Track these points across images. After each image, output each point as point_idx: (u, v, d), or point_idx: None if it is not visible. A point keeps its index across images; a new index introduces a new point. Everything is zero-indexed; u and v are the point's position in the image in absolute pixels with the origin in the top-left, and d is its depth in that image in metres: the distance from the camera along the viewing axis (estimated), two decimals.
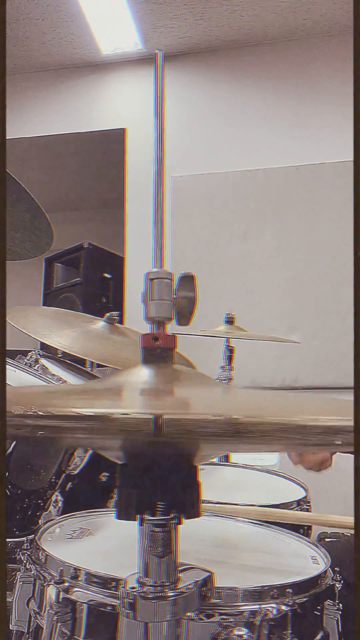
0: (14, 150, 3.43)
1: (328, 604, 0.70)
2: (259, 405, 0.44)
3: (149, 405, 0.42)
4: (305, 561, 0.81)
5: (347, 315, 2.70)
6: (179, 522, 0.48)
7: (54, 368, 1.36)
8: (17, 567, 0.75)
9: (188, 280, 0.52)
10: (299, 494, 1.23)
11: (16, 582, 0.73)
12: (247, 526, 0.96)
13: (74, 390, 0.48)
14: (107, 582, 0.65)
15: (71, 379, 1.36)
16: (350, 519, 0.90)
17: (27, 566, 0.74)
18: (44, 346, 1.48)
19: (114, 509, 0.98)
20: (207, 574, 0.52)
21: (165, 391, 0.48)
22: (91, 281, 3.20)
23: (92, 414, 0.34)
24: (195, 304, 0.52)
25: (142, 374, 0.51)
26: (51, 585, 0.68)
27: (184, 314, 0.52)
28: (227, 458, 1.56)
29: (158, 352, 0.51)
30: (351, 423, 0.30)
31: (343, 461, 0.95)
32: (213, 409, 0.41)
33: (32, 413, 0.33)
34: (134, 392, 0.48)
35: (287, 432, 0.33)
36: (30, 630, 0.72)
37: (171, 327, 0.53)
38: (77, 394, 0.47)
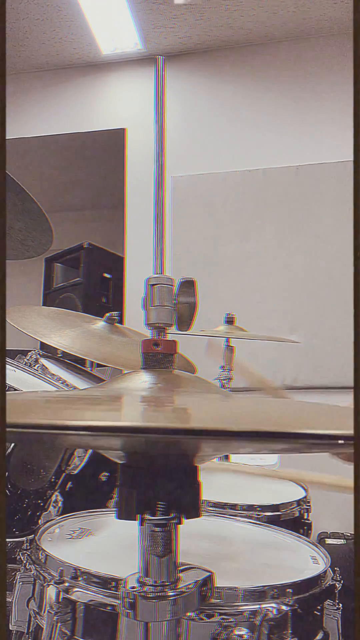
0: (14, 150, 3.43)
1: (328, 604, 0.71)
2: (258, 415, 0.44)
3: (147, 419, 0.42)
4: (305, 561, 0.81)
5: (347, 315, 2.69)
6: (179, 522, 0.48)
7: (53, 368, 1.36)
8: (17, 567, 0.75)
9: (188, 285, 0.52)
10: (299, 494, 1.24)
11: (16, 582, 0.74)
12: (247, 526, 0.96)
13: (72, 400, 0.48)
14: (107, 582, 0.65)
15: (71, 378, 1.36)
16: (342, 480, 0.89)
17: (27, 566, 0.74)
18: (43, 346, 1.49)
19: (114, 509, 0.98)
20: (207, 573, 0.52)
21: (165, 400, 0.48)
22: (91, 281, 3.19)
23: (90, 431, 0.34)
24: (195, 310, 0.52)
25: (143, 381, 0.51)
26: (51, 585, 0.68)
27: (184, 320, 0.52)
28: (227, 458, 1.56)
29: (159, 357, 0.51)
30: (351, 431, 0.31)
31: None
32: (211, 422, 0.41)
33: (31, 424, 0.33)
34: (134, 402, 0.48)
35: (287, 439, 0.33)
36: (30, 630, 0.72)
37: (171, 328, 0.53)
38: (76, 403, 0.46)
